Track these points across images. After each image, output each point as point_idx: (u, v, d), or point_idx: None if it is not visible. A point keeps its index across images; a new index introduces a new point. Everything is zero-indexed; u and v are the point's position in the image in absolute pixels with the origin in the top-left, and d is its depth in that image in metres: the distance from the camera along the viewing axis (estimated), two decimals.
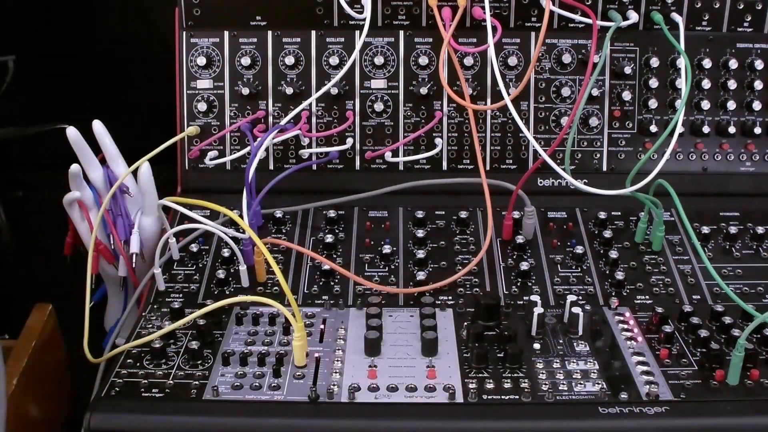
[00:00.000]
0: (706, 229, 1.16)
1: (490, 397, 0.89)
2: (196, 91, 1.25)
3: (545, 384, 0.90)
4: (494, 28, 1.14)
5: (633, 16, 1.21)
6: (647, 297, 1.06)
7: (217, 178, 1.25)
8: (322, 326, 1.00)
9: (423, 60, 1.24)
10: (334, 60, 1.24)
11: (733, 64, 1.24)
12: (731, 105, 1.24)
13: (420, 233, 1.15)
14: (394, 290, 1.07)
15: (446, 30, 1.19)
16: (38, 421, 1.13)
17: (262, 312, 1.01)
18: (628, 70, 1.24)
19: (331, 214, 1.18)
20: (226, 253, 1.10)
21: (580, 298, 1.05)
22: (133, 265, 1.13)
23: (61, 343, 1.22)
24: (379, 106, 1.24)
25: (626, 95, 1.24)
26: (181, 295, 1.06)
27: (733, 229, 1.15)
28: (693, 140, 1.26)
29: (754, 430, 0.87)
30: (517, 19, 1.24)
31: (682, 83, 1.21)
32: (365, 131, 1.26)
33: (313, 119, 1.25)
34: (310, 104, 1.24)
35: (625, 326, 1.00)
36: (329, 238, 1.13)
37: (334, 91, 1.23)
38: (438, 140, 1.25)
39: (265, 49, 1.25)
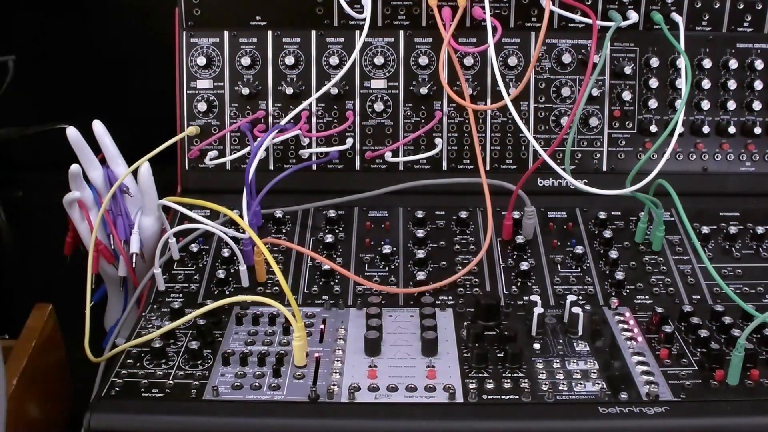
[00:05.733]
0: (706, 229, 1.16)
1: (490, 397, 0.89)
2: (196, 91, 1.25)
3: (545, 384, 0.90)
4: (494, 28, 1.14)
5: (633, 16, 1.21)
6: (647, 297, 1.06)
7: (217, 178, 1.26)
8: (322, 326, 1.00)
9: (423, 60, 1.24)
10: (334, 60, 1.24)
11: (733, 64, 1.24)
12: (731, 105, 1.25)
13: (420, 233, 1.15)
14: (394, 290, 1.07)
15: (446, 30, 1.19)
16: (38, 421, 1.13)
17: (262, 312, 1.01)
18: (628, 70, 1.24)
19: (331, 214, 1.18)
20: (226, 253, 1.10)
21: (580, 298, 1.05)
22: (133, 265, 1.13)
23: (61, 343, 1.22)
24: (379, 106, 1.24)
25: (626, 95, 1.24)
26: (181, 295, 1.06)
27: (733, 229, 1.15)
28: (693, 140, 1.26)
29: (754, 430, 0.87)
30: (517, 19, 1.24)
31: (682, 83, 1.21)
32: (365, 131, 1.26)
33: (313, 119, 1.25)
34: (310, 104, 1.24)
35: (625, 326, 1.00)
36: (329, 238, 1.13)
37: (334, 91, 1.23)
38: (438, 140, 1.25)
39: (265, 49, 1.25)
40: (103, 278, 1.21)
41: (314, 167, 1.25)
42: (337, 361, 0.94)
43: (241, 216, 1.07)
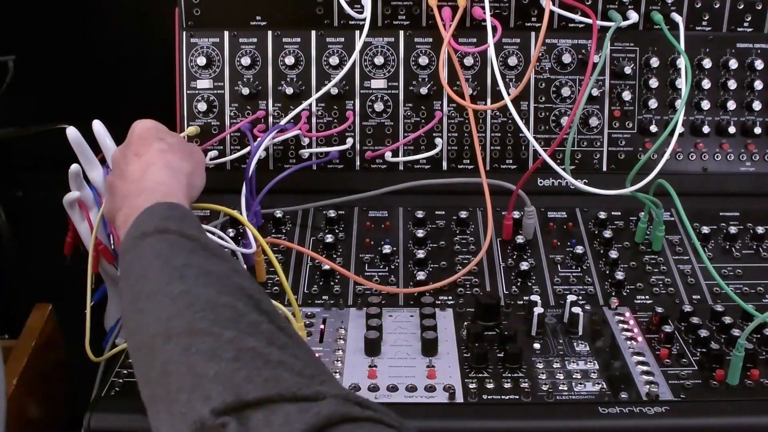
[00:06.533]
0: (706, 229, 1.16)
1: (490, 397, 0.89)
2: (196, 91, 1.25)
3: (545, 384, 0.90)
4: (494, 28, 1.14)
5: (633, 16, 1.21)
6: (647, 297, 1.06)
7: (216, 178, 1.25)
8: (322, 326, 1.00)
9: (423, 60, 1.24)
10: (334, 60, 1.24)
11: (733, 64, 1.24)
12: (731, 105, 1.24)
13: (420, 233, 1.15)
14: (394, 290, 1.07)
15: (446, 30, 1.19)
16: (38, 421, 1.13)
17: None
18: (628, 70, 1.24)
19: (331, 214, 1.18)
20: None
21: (580, 298, 1.05)
22: None
23: (61, 343, 1.22)
24: (379, 106, 1.24)
25: (626, 95, 1.24)
26: None
27: (733, 229, 1.15)
28: (693, 140, 1.26)
29: (754, 430, 0.87)
30: (517, 19, 1.24)
31: (682, 83, 1.21)
32: (365, 131, 1.26)
33: (313, 119, 1.25)
34: (310, 104, 1.24)
35: (625, 326, 1.00)
36: (329, 238, 1.13)
37: (334, 91, 1.23)
38: (438, 140, 1.25)
39: (265, 49, 1.25)
40: (103, 278, 1.21)
41: (314, 167, 1.25)
42: (337, 361, 0.94)
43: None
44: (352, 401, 0.59)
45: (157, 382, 0.64)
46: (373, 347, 0.95)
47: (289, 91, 1.23)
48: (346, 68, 1.20)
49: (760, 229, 1.16)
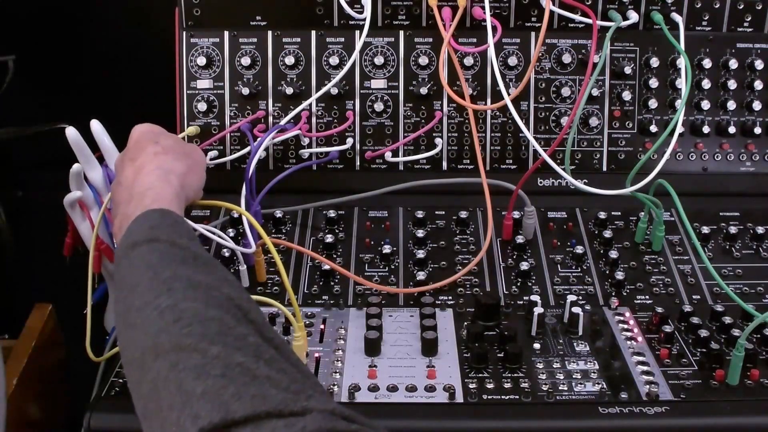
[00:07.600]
0: (706, 229, 1.16)
1: (490, 397, 0.89)
2: (196, 91, 1.25)
3: (545, 384, 0.90)
4: (494, 28, 1.14)
5: (633, 16, 1.21)
6: (647, 297, 1.06)
7: (217, 178, 1.25)
8: (322, 326, 1.00)
9: (423, 60, 1.24)
10: (334, 60, 1.24)
11: (733, 64, 1.24)
12: (731, 105, 1.24)
13: (420, 233, 1.15)
14: (394, 290, 1.07)
15: (446, 30, 1.19)
16: (38, 421, 1.13)
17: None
18: (628, 70, 1.24)
19: (331, 214, 1.18)
20: (226, 253, 1.10)
21: (580, 298, 1.05)
22: None
23: (61, 343, 1.22)
24: (379, 106, 1.24)
25: (626, 95, 1.24)
26: None
27: (733, 229, 1.15)
28: (693, 140, 1.26)
29: (754, 430, 0.88)
30: (517, 19, 1.24)
31: (682, 83, 1.21)
32: (365, 131, 1.26)
33: (313, 119, 1.25)
34: (310, 104, 1.24)
35: (625, 326, 1.00)
36: (329, 238, 1.13)
37: (334, 91, 1.23)
38: (438, 140, 1.25)
39: (265, 49, 1.25)
40: (104, 277, 1.20)
41: (314, 167, 1.25)
42: (337, 361, 0.94)
43: (240, 217, 1.07)
44: (338, 415, 0.60)
45: (149, 397, 0.65)
46: (373, 347, 0.95)
47: (289, 91, 1.23)
48: (346, 68, 1.20)
49: (760, 229, 1.16)
